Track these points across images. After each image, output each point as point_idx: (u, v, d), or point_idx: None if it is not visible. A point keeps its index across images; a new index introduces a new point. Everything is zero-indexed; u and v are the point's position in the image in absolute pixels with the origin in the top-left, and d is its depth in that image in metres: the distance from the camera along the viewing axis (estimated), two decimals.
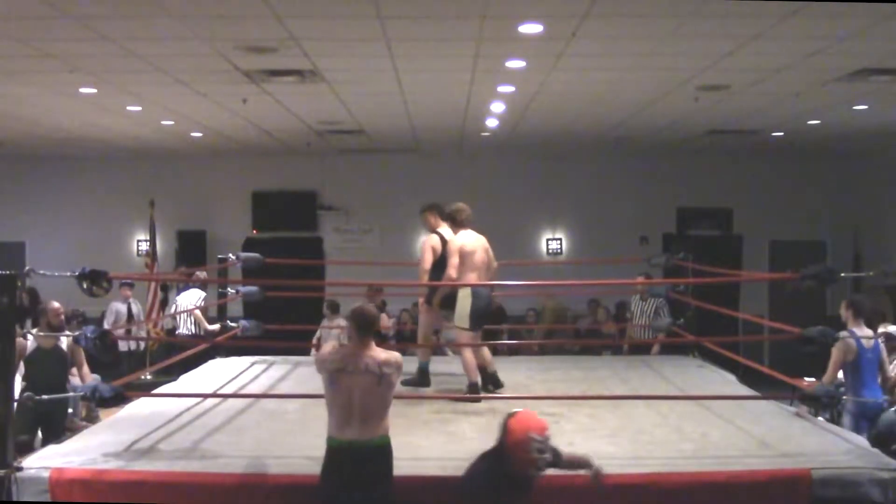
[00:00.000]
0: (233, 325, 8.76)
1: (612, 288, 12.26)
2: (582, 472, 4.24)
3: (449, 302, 6.98)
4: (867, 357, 6.39)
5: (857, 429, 6.14)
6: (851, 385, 6.39)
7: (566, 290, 12.93)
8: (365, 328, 4.53)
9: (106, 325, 11.38)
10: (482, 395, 6.62)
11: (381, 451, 4.37)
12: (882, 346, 6.53)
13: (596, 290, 12.34)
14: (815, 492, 4.59)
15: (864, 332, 6.50)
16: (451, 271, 6.75)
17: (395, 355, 4.51)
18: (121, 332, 11.39)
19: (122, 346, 11.37)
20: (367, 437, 4.32)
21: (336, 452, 4.35)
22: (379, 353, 4.46)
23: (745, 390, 7.23)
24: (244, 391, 7.24)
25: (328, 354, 4.54)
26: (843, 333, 6.26)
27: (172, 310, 10.54)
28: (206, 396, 6.64)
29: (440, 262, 6.99)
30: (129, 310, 11.85)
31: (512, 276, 11.07)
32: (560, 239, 14.58)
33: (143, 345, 11.91)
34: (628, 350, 10.19)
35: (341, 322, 11.29)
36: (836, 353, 6.28)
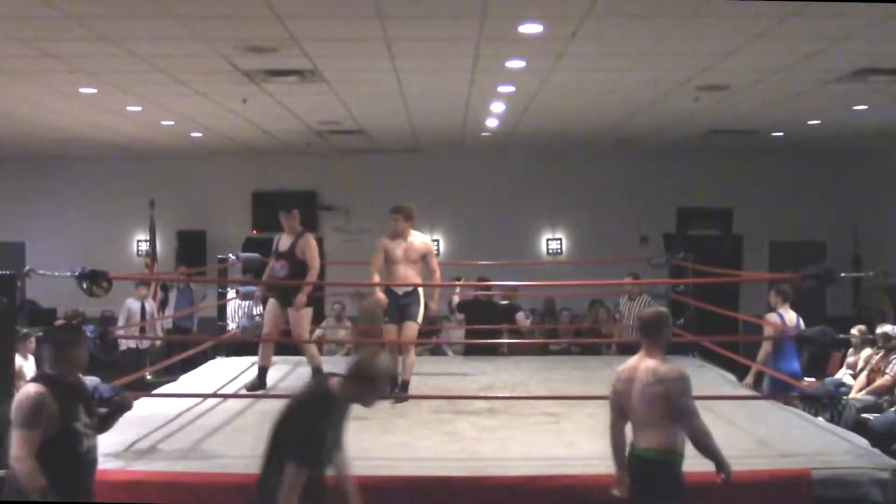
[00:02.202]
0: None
1: (611, 288, 12.23)
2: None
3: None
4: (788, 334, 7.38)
5: (773, 390, 7.15)
6: (773, 356, 7.40)
7: (566, 290, 12.94)
8: (643, 333, 4.37)
9: (121, 323, 11.42)
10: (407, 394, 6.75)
11: (652, 464, 4.16)
12: (802, 324, 7.49)
13: (595, 289, 12.32)
14: (815, 492, 4.61)
15: (790, 313, 7.58)
16: (438, 273, 7.14)
17: (673, 371, 4.21)
18: (132, 331, 11.41)
19: (123, 344, 11.36)
20: (643, 447, 4.21)
21: (629, 457, 4.32)
22: (658, 365, 4.23)
23: (745, 390, 7.24)
24: (244, 391, 7.24)
25: (624, 367, 4.46)
26: (770, 315, 7.65)
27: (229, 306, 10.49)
28: (206, 396, 6.65)
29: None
30: (143, 308, 11.83)
31: (512, 276, 11.12)
32: (560, 239, 14.58)
33: (146, 344, 11.87)
34: (616, 350, 10.01)
35: (347, 324, 11.31)
36: (766, 331, 7.89)
